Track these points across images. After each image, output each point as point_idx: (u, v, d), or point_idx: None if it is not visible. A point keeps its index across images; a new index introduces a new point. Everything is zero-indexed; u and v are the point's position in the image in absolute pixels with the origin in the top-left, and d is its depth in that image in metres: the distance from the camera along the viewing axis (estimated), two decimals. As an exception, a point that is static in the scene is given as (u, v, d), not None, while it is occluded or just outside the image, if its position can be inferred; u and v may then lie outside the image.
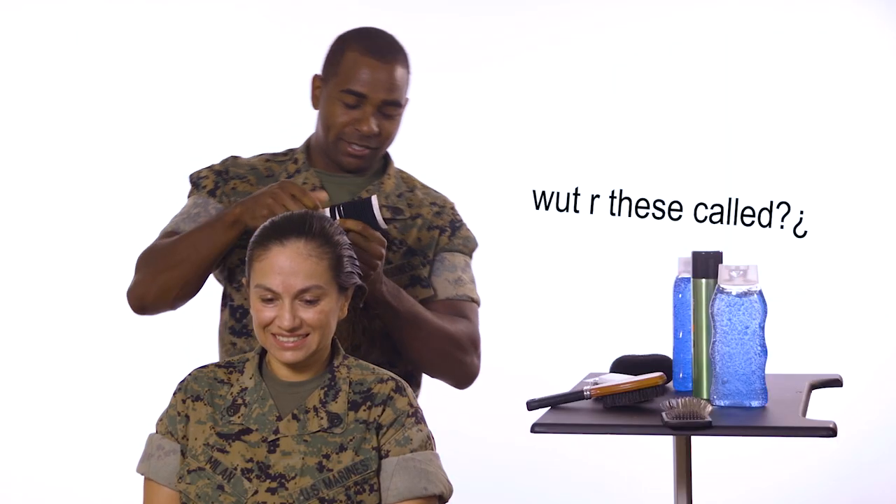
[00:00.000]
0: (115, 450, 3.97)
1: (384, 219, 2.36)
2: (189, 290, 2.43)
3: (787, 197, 4.52)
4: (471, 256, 2.59)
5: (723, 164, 4.50)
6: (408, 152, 4.46)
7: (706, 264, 2.45)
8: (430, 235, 2.52)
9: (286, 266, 2.14)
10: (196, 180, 2.54)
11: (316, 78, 2.51)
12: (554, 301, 4.51)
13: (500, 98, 4.53)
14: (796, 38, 4.50)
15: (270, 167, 2.53)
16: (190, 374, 2.25)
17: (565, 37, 4.52)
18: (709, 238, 4.20)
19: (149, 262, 2.42)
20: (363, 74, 2.43)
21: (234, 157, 2.56)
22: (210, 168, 2.54)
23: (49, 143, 4.44)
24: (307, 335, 2.15)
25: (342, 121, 2.43)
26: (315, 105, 2.51)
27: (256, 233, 2.20)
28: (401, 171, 2.59)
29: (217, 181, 2.51)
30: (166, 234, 2.48)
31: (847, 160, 4.50)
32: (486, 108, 4.53)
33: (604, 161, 4.53)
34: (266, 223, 2.20)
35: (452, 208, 2.59)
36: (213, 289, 4.22)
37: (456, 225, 2.56)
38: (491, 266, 4.51)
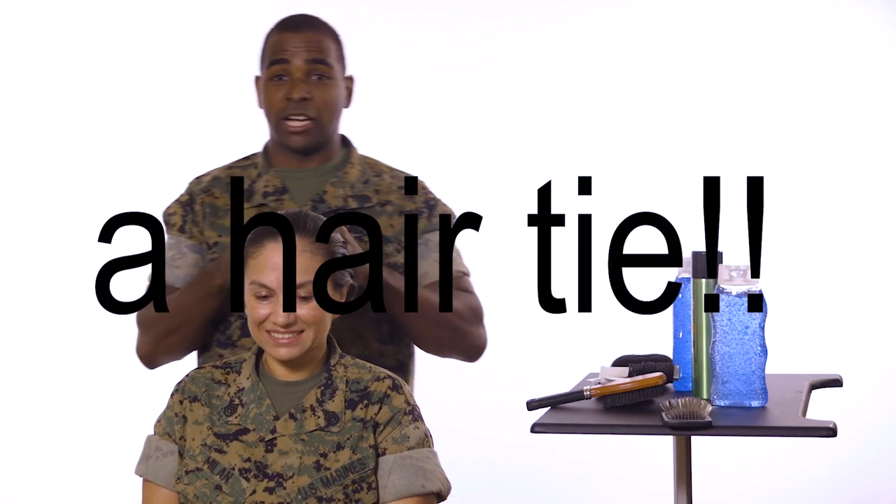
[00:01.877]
0: (115, 451, 3.96)
1: (352, 209, 2.42)
2: (193, 346, 2.50)
3: (786, 197, 4.52)
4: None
5: (723, 164, 4.50)
6: (408, 151, 4.47)
7: (706, 264, 2.45)
8: (402, 220, 2.51)
9: (279, 261, 2.14)
10: (167, 218, 2.55)
11: (256, 79, 2.54)
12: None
13: (500, 98, 4.53)
14: (796, 39, 4.50)
15: (233, 173, 2.53)
16: (187, 375, 2.25)
17: (565, 38, 4.52)
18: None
19: (150, 326, 2.48)
20: (282, 45, 2.46)
21: (197, 178, 2.57)
22: (177, 201, 2.55)
23: (48, 143, 4.43)
24: (302, 332, 2.16)
25: (276, 97, 2.45)
26: (260, 104, 2.53)
27: (251, 232, 2.21)
28: (366, 158, 2.57)
29: (185, 214, 2.52)
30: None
31: (847, 160, 4.49)
32: (487, 107, 4.53)
33: (604, 161, 4.52)
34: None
35: (423, 187, 2.56)
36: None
37: (431, 204, 2.55)
38: (491, 266, 4.52)
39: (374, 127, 4.47)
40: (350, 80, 2.52)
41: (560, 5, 4.53)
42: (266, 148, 2.55)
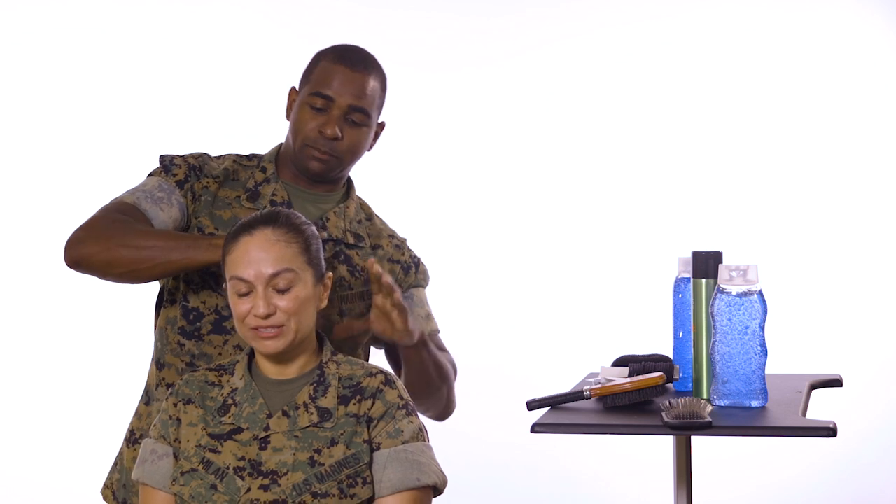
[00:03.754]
0: (113, 455, 3.96)
1: (348, 243, 2.46)
2: (133, 278, 2.36)
3: (786, 197, 4.52)
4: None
5: (723, 164, 4.50)
6: (409, 151, 4.48)
7: (706, 264, 2.45)
8: (390, 268, 2.55)
9: (255, 254, 2.16)
10: (168, 164, 2.49)
11: (292, 90, 2.53)
12: (554, 301, 4.50)
13: (501, 97, 4.53)
14: (797, 39, 4.50)
15: (237, 170, 2.52)
16: (181, 378, 2.26)
17: (565, 37, 4.52)
18: (709, 238, 4.20)
19: (112, 231, 2.36)
20: (332, 79, 2.45)
21: (218, 157, 2.55)
22: (184, 158, 2.50)
23: (48, 143, 4.43)
24: (284, 324, 2.16)
25: (310, 125, 2.45)
26: (288, 115, 2.53)
27: (229, 232, 2.22)
28: (360, 199, 2.61)
29: (188, 174, 2.48)
30: (126, 205, 2.42)
31: (847, 160, 4.49)
32: (487, 107, 4.53)
33: (604, 161, 4.52)
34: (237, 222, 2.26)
35: (407, 244, 2.62)
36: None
37: (415, 260, 2.60)
38: (491, 265, 4.53)
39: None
40: (381, 125, 2.54)
41: (560, 5, 4.53)
42: (277, 155, 2.56)
